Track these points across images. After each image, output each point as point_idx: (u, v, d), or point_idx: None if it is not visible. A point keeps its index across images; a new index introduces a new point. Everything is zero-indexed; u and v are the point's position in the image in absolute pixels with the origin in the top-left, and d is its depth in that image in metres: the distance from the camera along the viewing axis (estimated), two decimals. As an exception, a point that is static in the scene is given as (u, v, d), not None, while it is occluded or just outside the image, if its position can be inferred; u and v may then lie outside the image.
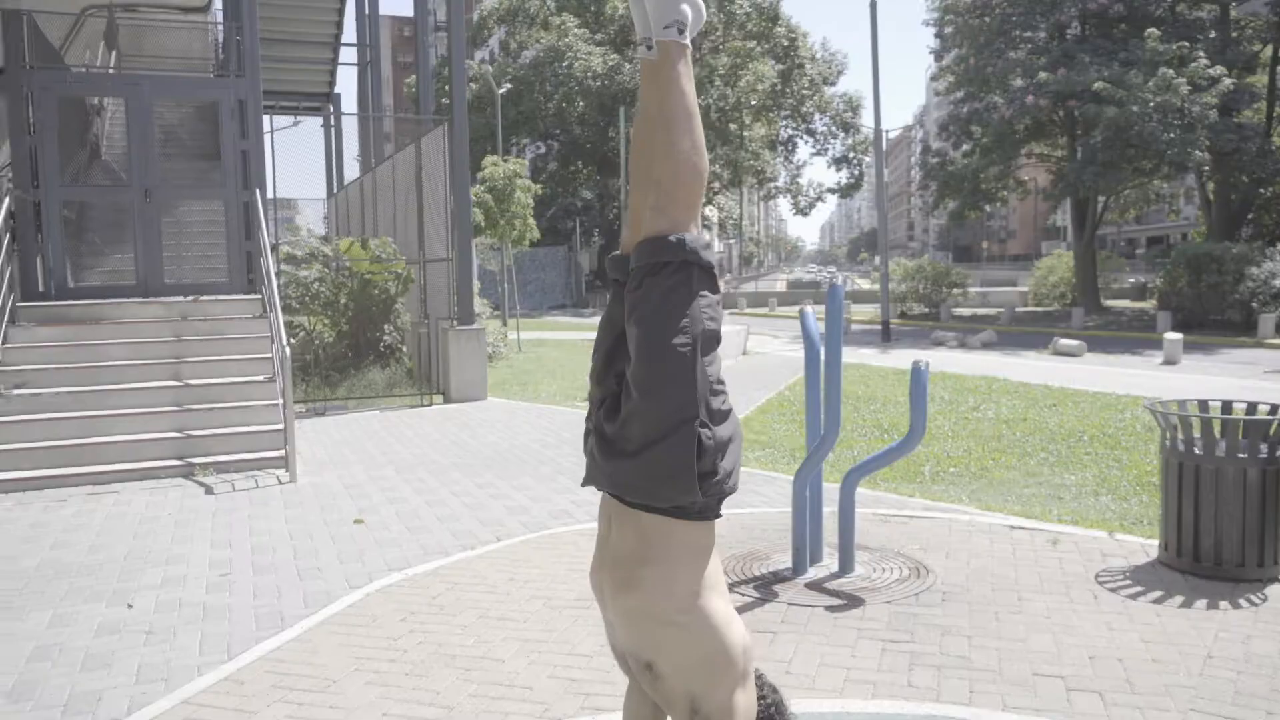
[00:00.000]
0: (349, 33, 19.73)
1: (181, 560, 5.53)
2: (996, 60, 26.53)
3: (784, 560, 5.18)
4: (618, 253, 2.27)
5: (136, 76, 11.54)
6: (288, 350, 7.69)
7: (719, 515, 2.18)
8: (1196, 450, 4.86)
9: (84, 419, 8.11)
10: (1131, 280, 38.14)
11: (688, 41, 2.13)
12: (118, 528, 6.29)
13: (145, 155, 10.26)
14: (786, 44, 46.57)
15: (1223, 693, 3.57)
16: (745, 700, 2.15)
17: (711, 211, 56.13)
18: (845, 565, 5.01)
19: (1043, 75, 23.70)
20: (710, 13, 42.62)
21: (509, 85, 40.86)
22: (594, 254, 52.14)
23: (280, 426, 8.26)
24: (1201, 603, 4.50)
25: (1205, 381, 13.44)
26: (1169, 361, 16.54)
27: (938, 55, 30.72)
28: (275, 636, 4.31)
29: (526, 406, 11.73)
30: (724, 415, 2.11)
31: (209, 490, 7.34)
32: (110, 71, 14.49)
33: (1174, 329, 19.58)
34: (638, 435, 2.04)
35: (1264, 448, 4.77)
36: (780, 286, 55.55)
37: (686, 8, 2.13)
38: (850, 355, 18.27)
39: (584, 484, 2.28)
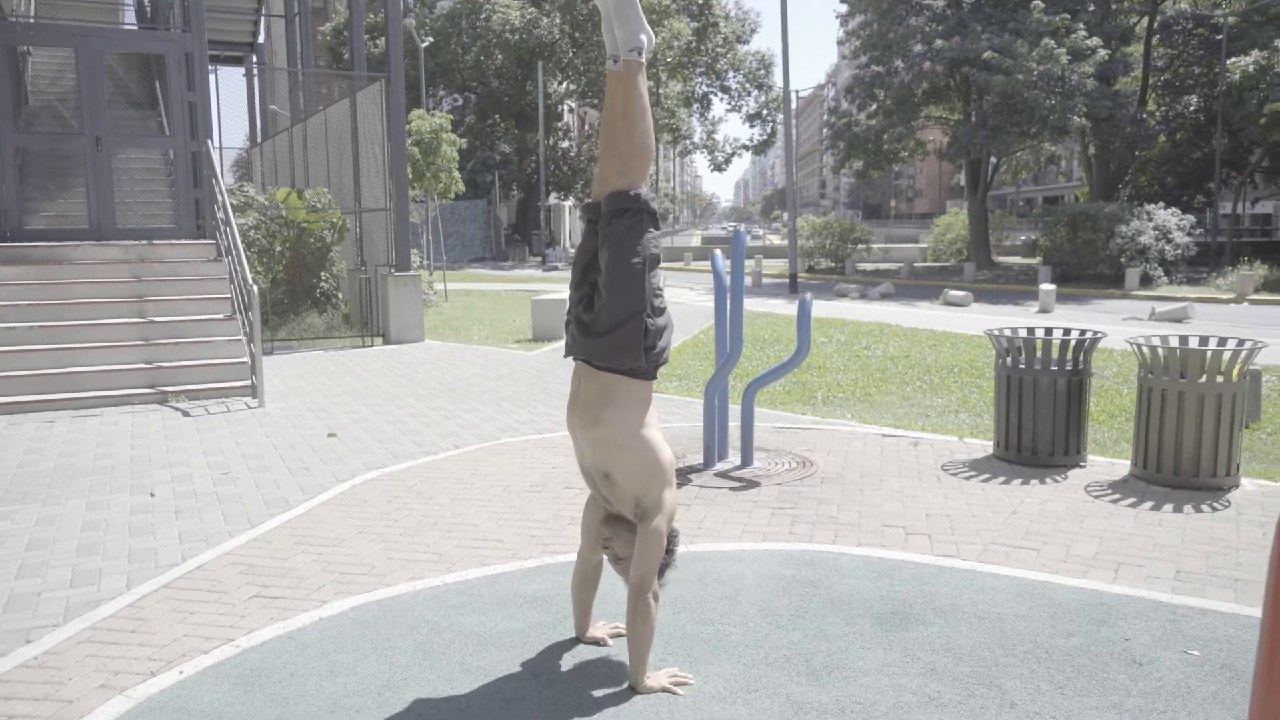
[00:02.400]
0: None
1: (182, 464, 6.43)
2: (898, 26, 27.99)
3: (697, 458, 6.35)
4: (589, 200, 3.33)
5: (87, 29, 11.95)
6: (255, 288, 8.50)
7: (655, 377, 3.28)
8: (1020, 365, 6.17)
9: (57, 351, 8.80)
10: (1023, 237, 40.48)
11: (644, 60, 3.20)
12: (113, 440, 7.12)
13: (95, 104, 10.79)
14: (701, 3, 47.40)
15: (1016, 533, 4.86)
16: (670, 496, 3.27)
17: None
18: (746, 459, 6.20)
19: (939, 43, 25.20)
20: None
21: (430, 39, 40.79)
22: (512, 208, 52.56)
23: (243, 359, 9.09)
24: (1018, 481, 5.82)
25: (1069, 326, 15.07)
26: (1044, 310, 18.27)
27: (844, 20, 32.03)
28: (286, 512, 5.30)
29: (462, 348, 12.68)
30: (661, 311, 3.21)
31: (186, 414, 8.18)
32: (59, 22, 14.70)
33: (1053, 282, 21.40)
34: (606, 321, 3.12)
35: (1069, 363, 6.11)
36: (695, 242, 56.85)
37: (644, 37, 3.19)
38: (761, 305, 19.61)
39: (565, 355, 3.35)
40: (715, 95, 52.46)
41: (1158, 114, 29.50)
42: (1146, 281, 22.53)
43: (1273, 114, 22.31)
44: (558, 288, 24.37)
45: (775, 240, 59.77)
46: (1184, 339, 5.90)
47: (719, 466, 6.17)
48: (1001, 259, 33.66)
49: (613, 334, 3.12)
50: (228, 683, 3.29)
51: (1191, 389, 5.54)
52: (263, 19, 20.83)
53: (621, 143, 3.19)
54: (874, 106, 30.01)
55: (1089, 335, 6.20)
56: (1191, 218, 24.92)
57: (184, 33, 11.16)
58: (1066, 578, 4.23)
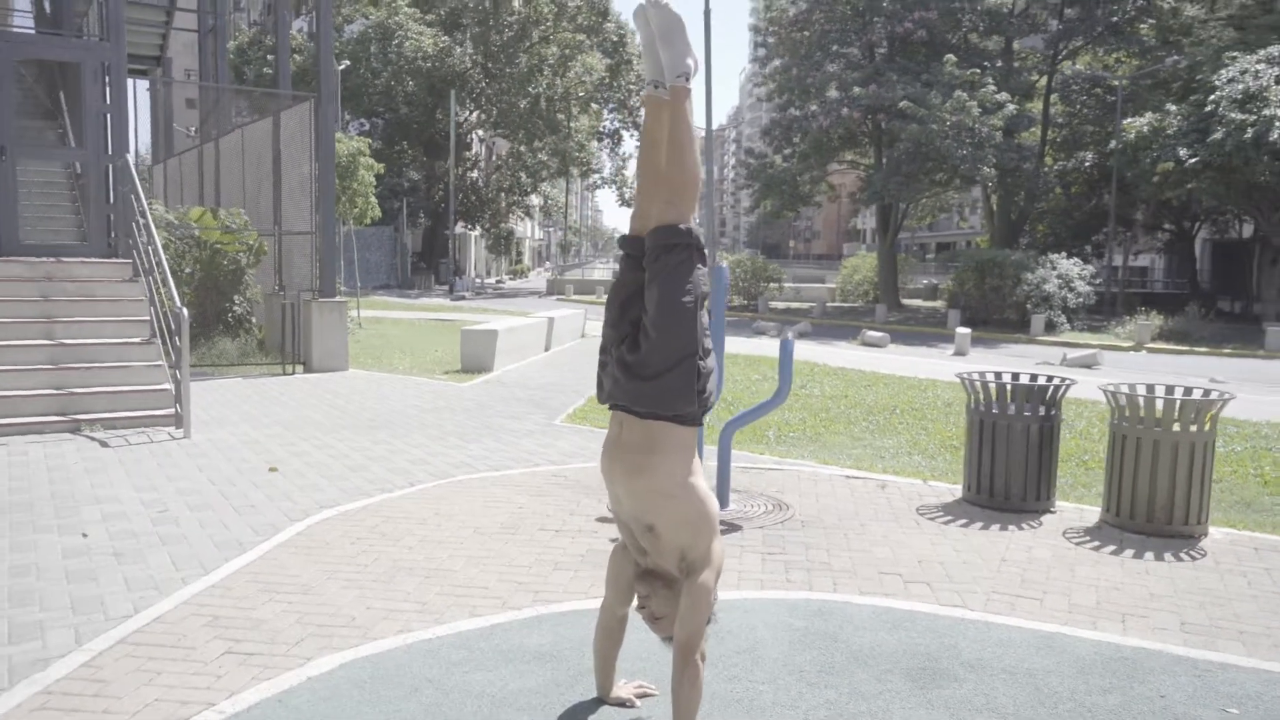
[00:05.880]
0: (187, -4, 19.18)
1: (112, 500, 5.89)
2: (816, 72, 28.65)
3: (669, 499, 6.12)
4: (626, 234, 3.11)
5: (-7, 30, 11.17)
6: (184, 311, 7.95)
7: (702, 423, 3.07)
8: (994, 410, 6.17)
9: (-44, 375, 8.06)
10: (924, 281, 41.74)
11: (691, 86, 3.01)
12: (27, 473, 6.50)
13: (1, 113, 10.05)
14: (616, 39, 47.79)
15: (1013, 582, 4.78)
16: (719, 549, 3.05)
17: (536, 199, 56.76)
18: (722, 502, 6.01)
19: (857, 90, 25.88)
20: (542, 3, 43.23)
21: (347, 61, 39.99)
22: (420, 236, 51.65)
23: (164, 386, 8.50)
24: (996, 526, 5.78)
25: (988, 370, 15.45)
26: (959, 353, 18.73)
27: (761, 63, 32.66)
28: (241, 555, 4.87)
29: (389, 377, 12.20)
30: (708, 352, 3.01)
31: (104, 444, 7.56)
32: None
33: (962, 326, 22.00)
34: (656, 364, 2.90)
35: (1041, 409, 6.13)
36: (604, 275, 56.84)
37: (691, 61, 3.01)
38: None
39: (601, 401, 3.11)
40: (627, 131, 52.81)
41: (1054, 168, 30.87)
42: (1051, 328, 23.38)
43: (1164, 172, 23.56)
44: (473, 317, 23.90)
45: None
46: (1150, 387, 5.99)
47: (694, 508, 5.96)
48: (906, 301, 34.57)
49: (663, 378, 2.90)
50: (221, 757, 2.91)
51: (1166, 437, 5.61)
52: (171, 32, 19.99)
53: (672, 173, 2.99)
54: (790, 150, 30.58)
55: (1063, 382, 6.24)
56: (1092, 268, 26.06)
57: (102, 42, 10.51)
58: (1079, 629, 4.16)
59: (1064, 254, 25.77)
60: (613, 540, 5.34)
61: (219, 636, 3.83)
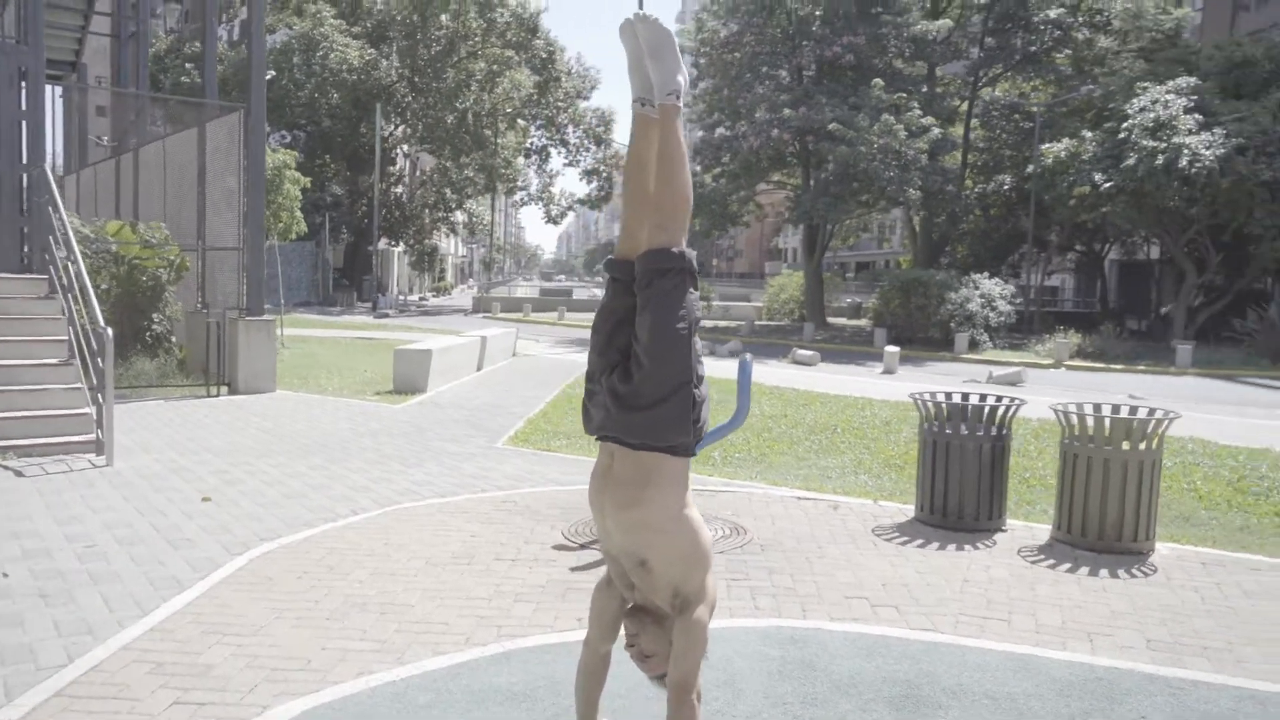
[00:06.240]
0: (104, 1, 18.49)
1: (33, 535, 5.52)
2: (746, 93, 28.96)
3: (625, 523, 5.99)
4: (612, 257, 2.99)
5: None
6: (109, 332, 7.55)
7: (694, 454, 2.95)
8: (947, 431, 6.19)
9: None
10: (848, 300, 42.42)
11: (681, 104, 2.91)
12: (-64, 508, 6.07)
13: (-96, 119, 9.50)
14: (545, 56, 47.67)
15: (979, 603, 4.77)
16: (711, 584, 2.93)
17: (461, 215, 56.20)
18: (679, 526, 5.89)
19: (787, 111, 26.22)
20: (470, 18, 42.96)
21: (272, 71, 39.08)
22: (342, 252, 50.66)
23: (84, 410, 8.07)
24: (952, 546, 5.78)
25: (918, 388, 15.67)
26: (888, 371, 18.99)
27: (692, 83, 32.90)
28: (180, 594, 4.58)
29: (320, 399, 11.83)
30: (701, 379, 2.90)
31: (19, 474, 7.11)
32: None
33: (888, 344, 22.35)
34: (650, 394, 2.77)
35: (993, 429, 6.18)
36: (530, 293, 56.48)
37: (681, 78, 2.91)
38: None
39: (589, 432, 2.97)
40: (554, 148, 52.68)
41: (974, 190, 31.71)
42: (974, 346, 23.91)
43: (1081, 196, 24.35)
44: (399, 335, 23.44)
45: (600, 294, 60.11)
46: (1098, 407, 6.08)
47: (651, 533, 5.84)
48: (831, 320, 35.07)
49: (657, 408, 2.77)
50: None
51: (1116, 456, 5.69)
52: (86, 37, 19.24)
53: (662, 194, 2.87)
54: (719, 170, 30.83)
55: (1014, 401, 6.30)
56: (1013, 287, 26.76)
57: (19, 44, 10.02)
58: (1050, 650, 4.16)
59: (985, 274, 26.42)
60: (573, 569, 5.21)
61: (165, 685, 3.58)
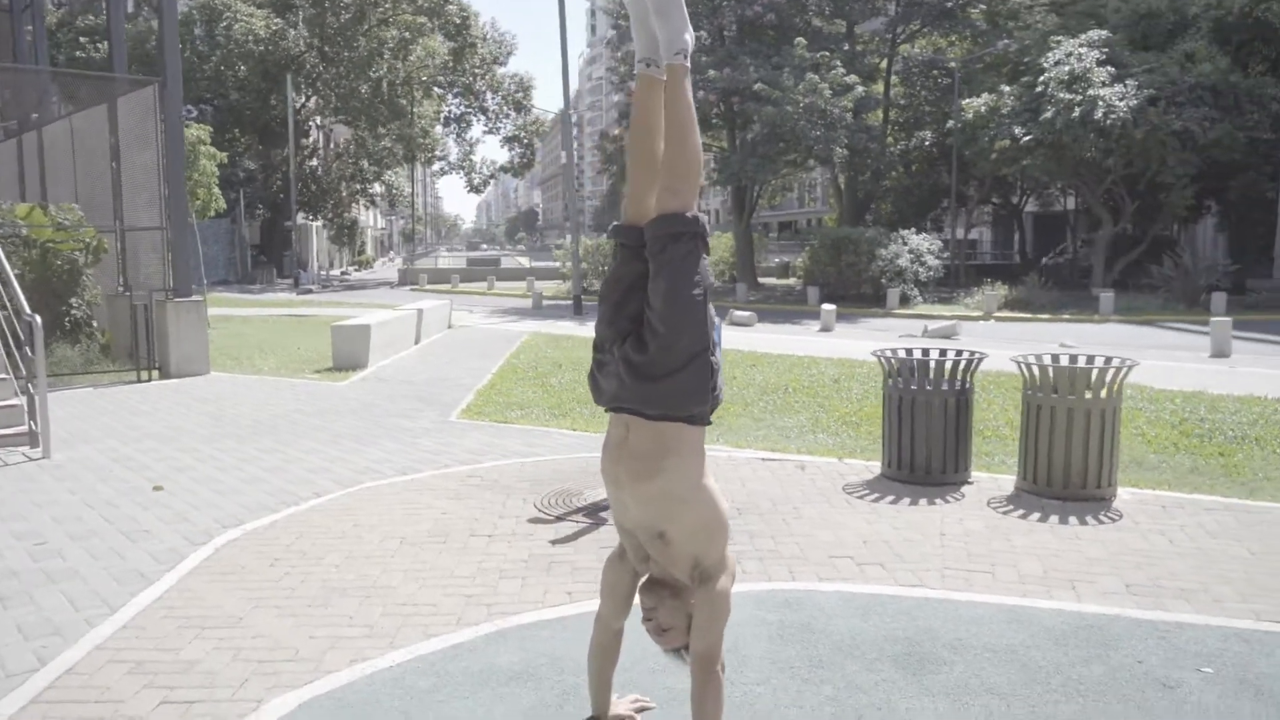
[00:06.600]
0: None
1: (-24, 536, 5.22)
2: (670, 55, 28.64)
3: (598, 494, 5.92)
4: (619, 223, 2.89)
5: None
6: (37, 319, 7.15)
7: (710, 423, 2.89)
8: (913, 387, 6.24)
9: None
10: (776, 260, 42.72)
11: (689, 64, 2.81)
12: None
13: None
14: (458, 22, 46.61)
15: (960, 556, 4.83)
16: (731, 556, 2.88)
17: (379, 187, 54.96)
18: (653, 493, 5.84)
19: (712, 73, 26.08)
20: (379, -17, 41.72)
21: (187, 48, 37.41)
22: (259, 228, 49.18)
23: (14, 401, 7.67)
24: (924, 501, 5.84)
25: (858, 344, 15.87)
26: (825, 329, 19.18)
27: (613, 46, 32.54)
28: (148, 588, 4.38)
29: (257, 379, 11.46)
30: (716, 345, 2.82)
31: (-51, 471, 6.73)
32: None
33: (821, 302, 22.56)
34: (667, 363, 2.68)
35: (956, 383, 6.25)
36: (456, 263, 55.59)
37: (689, 37, 2.80)
38: (551, 328, 19.28)
39: (600, 404, 2.87)
40: (474, 116, 51.73)
41: (896, 148, 32.08)
42: (905, 301, 24.29)
43: (1001, 150, 24.82)
44: (327, 311, 22.89)
45: (525, 262, 59.65)
46: (1055, 358, 6.19)
47: (625, 502, 5.78)
48: (762, 280, 35.28)
49: (675, 377, 2.69)
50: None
51: (1079, 405, 5.80)
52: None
53: (674, 157, 2.77)
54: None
55: (975, 355, 6.37)
56: (940, 242, 27.21)
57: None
58: (1038, 600, 4.22)
59: (911, 230, 26.81)
60: (553, 543, 5.12)
61: (148, 685, 3.41)
